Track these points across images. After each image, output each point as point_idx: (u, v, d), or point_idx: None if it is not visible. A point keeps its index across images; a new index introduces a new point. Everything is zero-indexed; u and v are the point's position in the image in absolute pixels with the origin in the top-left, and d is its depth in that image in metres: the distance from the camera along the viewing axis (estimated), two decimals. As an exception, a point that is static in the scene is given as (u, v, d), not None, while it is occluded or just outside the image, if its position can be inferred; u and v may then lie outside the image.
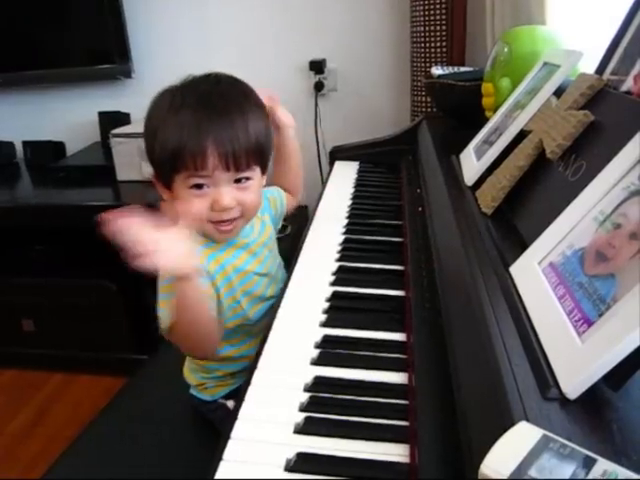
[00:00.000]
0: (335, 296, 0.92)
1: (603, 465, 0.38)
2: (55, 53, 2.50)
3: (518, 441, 0.41)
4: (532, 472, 0.38)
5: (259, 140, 0.91)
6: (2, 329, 2.26)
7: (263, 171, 0.97)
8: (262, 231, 1.06)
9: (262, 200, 0.99)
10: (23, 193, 2.42)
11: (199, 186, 0.88)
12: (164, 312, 0.87)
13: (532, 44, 1.11)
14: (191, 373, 1.10)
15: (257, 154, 0.91)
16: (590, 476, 0.37)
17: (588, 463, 0.38)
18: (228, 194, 0.89)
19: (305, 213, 2.25)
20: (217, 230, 0.93)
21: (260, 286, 1.01)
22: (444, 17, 1.91)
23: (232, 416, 0.69)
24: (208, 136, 0.85)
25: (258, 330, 1.02)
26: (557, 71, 0.91)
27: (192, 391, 1.10)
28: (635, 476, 0.38)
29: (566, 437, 0.42)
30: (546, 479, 0.37)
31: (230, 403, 1.05)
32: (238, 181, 0.90)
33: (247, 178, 0.91)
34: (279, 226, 1.17)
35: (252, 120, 0.90)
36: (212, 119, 0.86)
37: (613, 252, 0.52)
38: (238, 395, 0.73)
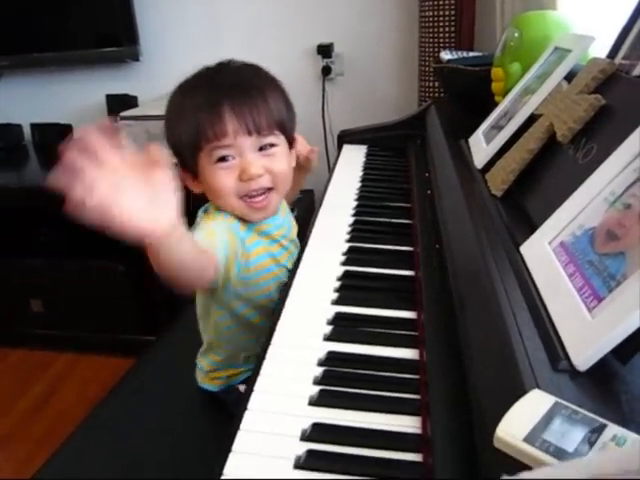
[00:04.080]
0: (346, 275, 0.94)
1: (613, 430, 0.40)
2: (63, 36, 2.51)
3: (531, 407, 0.43)
4: (545, 435, 0.40)
5: (280, 111, 0.91)
6: (11, 310, 2.29)
7: (290, 145, 0.96)
8: (291, 227, 1.07)
9: (291, 172, 0.97)
10: (31, 175, 2.45)
11: (224, 159, 0.88)
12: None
13: (543, 29, 1.11)
14: (203, 356, 1.08)
15: (279, 124, 0.90)
16: (600, 440, 0.39)
17: (599, 428, 0.40)
18: (255, 161, 0.88)
19: (311, 197, 2.27)
20: (250, 207, 0.91)
21: (284, 278, 1.01)
22: (453, 1, 1.91)
23: (248, 389, 0.71)
24: (224, 103, 0.86)
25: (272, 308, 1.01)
26: (568, 56, 0.92)
27: (203, 385, 1.08)
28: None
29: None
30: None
31: (242, 387, 1.03)
32: (263, 149, 0.89)
33: (272, 145, 0.90)
34: None
35: (269, 93, 0.90)
36: (226, 92, 0.87)
37: (623, 231, 0.54)
38: (253, 369, 0.75)
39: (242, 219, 0.95)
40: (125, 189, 0.59)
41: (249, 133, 0.87)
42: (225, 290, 0.94)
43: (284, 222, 1.03)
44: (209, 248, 0.83)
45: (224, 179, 0.88)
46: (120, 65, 2.52)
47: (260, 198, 0.91)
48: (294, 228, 1.09)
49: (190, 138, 0.88)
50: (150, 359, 1.31)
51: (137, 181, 0.61)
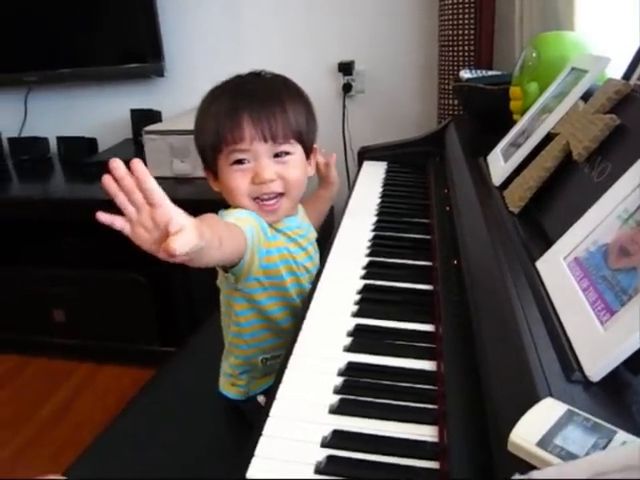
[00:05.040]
0: (366, 288, 0.96)
1: (622, 437, 0.41)
2: (89, 52, 2.58)
3: (545, 414, 0.44)
4: (557, 441, 0.42)
5: (298, 122, 0.95)
6: (34, 319, 2.33)
7: (307, 155, 1.00)
8: (310, 230, 1.10)
9: (305, 180, 1.01)
10: (57, 187, 2.50)
11: (240, 161, 0.93)
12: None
13: (560, 49, 1.14)
14: (224, 360, 1.10)
15: (296, 134, 0.95)
16: (610, 445, 0.41)
17: (609, 434, 0.42)
18: (269, 166, 0.93)
19: (331, 212, 2.29)
20: (261, 210, 0.96)
21: (302, 277, 1.05)
22: (472, 20, 1.94)
23: (270, 397, 0.73)
24: (244, 111, 0.91)
25: (296, 308, 1.03)
26: (585, 76, 0.94)
27: (224, 391, 1.10)
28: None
29: (589, 415, 0.46)
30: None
31: (261, 398, 1.05)
32: (278, 156, 0.95)
33: (287, 153, 0.95)
34: None
35: (290, 104, 0.95)
36: (247, 100, 0.93)
37: (635, 248, 0.56)
38: (275, 378, 0.77)
39: None
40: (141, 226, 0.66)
41: (265, 140, 0.92)
42: (247, 278, 0.96)
43: (302, 224, 1.07)
44: (237, 226, 0.88)
45: (239, 180, 0.94)
46: (145, 81, 2.58)
47: (272, 202, 0.96)
48: (313, 232, 1.12)
49: (212, 140, 0.94)
50: (170, 370, 1.33)
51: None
